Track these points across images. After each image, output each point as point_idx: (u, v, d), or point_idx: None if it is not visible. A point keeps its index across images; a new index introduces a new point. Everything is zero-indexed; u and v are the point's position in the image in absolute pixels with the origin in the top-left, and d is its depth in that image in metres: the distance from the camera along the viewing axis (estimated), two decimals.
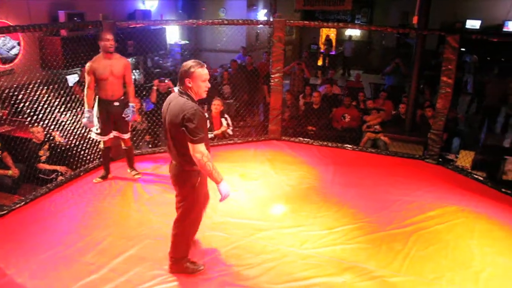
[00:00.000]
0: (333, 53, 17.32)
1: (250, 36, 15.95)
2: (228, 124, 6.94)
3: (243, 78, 9.32)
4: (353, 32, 17.68)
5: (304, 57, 13.22)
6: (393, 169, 5.94)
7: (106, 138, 5.17)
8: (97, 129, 5.09)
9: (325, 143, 6.78)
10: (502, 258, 4.00)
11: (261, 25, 7.58)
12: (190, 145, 3.01)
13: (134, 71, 9.91)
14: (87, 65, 4.88)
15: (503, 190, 5.36)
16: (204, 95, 3.21)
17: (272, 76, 6.72)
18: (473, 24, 14.93)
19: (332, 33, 18.46)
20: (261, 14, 15.56)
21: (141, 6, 12.09)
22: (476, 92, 10.69)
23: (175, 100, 3.11)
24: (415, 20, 8.29)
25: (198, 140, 2.99)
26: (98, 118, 5.03)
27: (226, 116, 7.02)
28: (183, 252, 3.52)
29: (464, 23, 14.65)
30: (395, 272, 3.71)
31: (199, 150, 3.01)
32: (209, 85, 3.18)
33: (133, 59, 10.72)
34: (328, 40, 17.30)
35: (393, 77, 10.64)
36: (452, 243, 4.20)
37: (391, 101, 8.60)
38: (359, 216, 4.59)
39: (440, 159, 6.17)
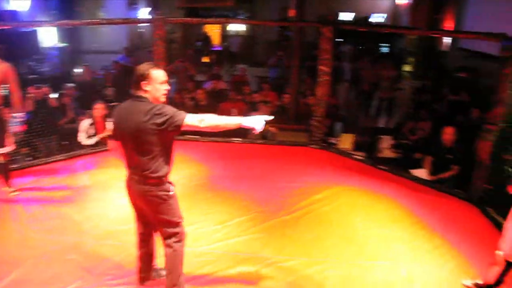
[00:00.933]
0: (219, 48, 17.41)
1: (133, 35, 15.45)
2: None
3: (127, 79, 8.94)
4: (238, 28, 17.92)
5: (188, 55, 13.11)
6: (280, 158, 6.14)
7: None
8: None
9: (213, 138, 6.79)
10: (383, 229, 4.34)
11: (144, 24, 7.35)
12: (188, 126, 2.75)
13: None
14: None
15: (379, 166, 5.81)
16: (163, 99, 2.91)
17: None
18: (346, 16, 16.02)
19: (217, 29, 18.53)
20: (143, 13, 15.13)
21: (7, 6, 11.08)
22: (353, 79, 11.43)
23: (133, 107, 2.83)
24: (291, 13, 8.62)
25: (184, 118, 2.74)
26: None
27: (110, 120, 6.72)
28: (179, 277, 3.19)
29: (338, 16, 15.65)
30: (289, 257, 3.83)
31: (196, 120, 2.76)
32: (168, 87, 2.94)
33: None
34: (206, 37, 17.31)
35: (276, 69, 10.98)
36: (339, 221, 4.45)
37: (275, 92, 8.85)
38: (251, 207, 4.67)
39: (324, 144, 6.50)
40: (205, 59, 16.64)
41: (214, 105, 7.84)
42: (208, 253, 3.86)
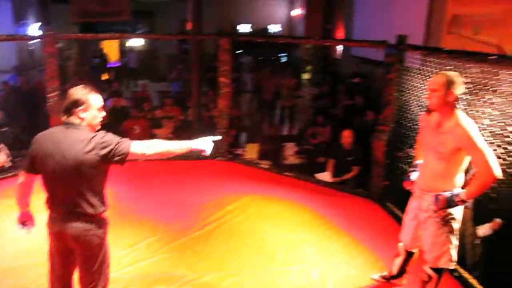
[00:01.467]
0: (118, 64, 16.86)
1: (23, 53, 14.41)
2: (7, 155, 6.12)
3: (19, 101, 8.33)
4: (137, 43, 17.52)
5: (85, 72, 12.54)
6: (187, 173, 6.04)
7: None
8: None
9: None
10: (293, 234, 4.43)
11: (34, 41, 6.88)
12: (133, 155, 2.53)
13: None
14: None
15: (285, 173, 5.96)
16: (99, 127, 2.63)
17: (49, 95, 6.16)
18: (244, 28, 16.41)
19: (115, 45, 17.94)
20: (33, 29, 14.16)
21: None
22: (254, 89, 11.66)
23: (67, 135, 2.47)
24: (189, 26, 8.60)
25: (130, 146, 2.53)
26: None
27: (1, 146, 6.19)
28: None
29: (237, 28, 15.98)
30: (203, 272, 3.75)
31: (143, 147, 2.56)
32: (104, 114, 2.64)
33: None
34: (102, 53, 16.71)
35: (178, 83, 10.87)
36: (250, 231, 4.47)
37: (178, 107, 8.75)
38: (159, 227, 4.51)
39: (230, 155, 6.52)
40: (105, 76, 16.02)
41: (115, 123, 7.54)
42: (118, 279, 3.64)
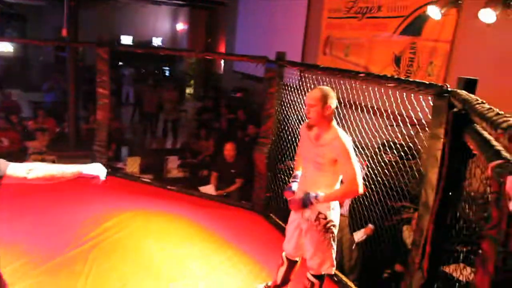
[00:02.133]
0: None
1: None
2: None
3: None
4: (3, 48, 16.03)
5: None
6: (62, 190, 5.53)
7: None
8: None
9: None
10: (178, 249, 4.33)
11: None
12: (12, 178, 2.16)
13: None
14: None
15: (168, 187, 5.85)
16: None
17: None
18: (126, 40, 15.98)
19: None
20: None
21: None
22: (136, 101, 11.35)
23: None
24: (64, 33, 8.12)
25: (6, 168, 2.16)
26: None
27: None
28: None
29: (120, 39, 15.52)
30: None
31: (22, 171, 2.19)
32: None
33: None
34: None
35: (53, 94, 10.17)
36: (133, 247, 4.28)
37: (53, 118, 8.17)
38: (28, 249, 4.07)
39: (110, 169, 6.21)
40: None
41: None
42: None
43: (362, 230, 4.56)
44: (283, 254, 3.57)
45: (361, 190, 2.86)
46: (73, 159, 6.79)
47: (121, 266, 3.94)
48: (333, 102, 2.99)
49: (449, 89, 2.68)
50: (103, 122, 6.13)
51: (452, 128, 2.48)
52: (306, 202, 2.98)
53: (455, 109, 2.48)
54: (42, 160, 6.82)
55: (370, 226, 4.50)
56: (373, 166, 4.02)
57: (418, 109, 3.32)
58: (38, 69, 16.05)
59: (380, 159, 4.17)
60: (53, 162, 6.77)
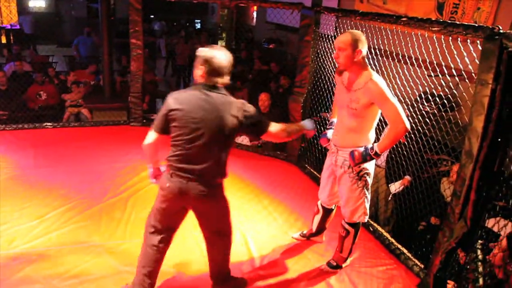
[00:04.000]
0: (16, 27, 15.43)
1: None
2: None
3: None
4: (36, 3, 16.12)
5: None
6: (100, 139, 5.74)
7: None
8: None
9: (21, 125, 6.01)
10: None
11: None
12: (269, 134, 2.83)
13: None
14: None
15: None
16: None
17: None
18: None
19: (13, 5, 16.35)
20: None
21: None
22: (169, 55, 11.31)
23: (208, 98, 2.50)
24: None
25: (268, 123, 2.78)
26: None
27: None
28: None
29: None
30: (121, 240, 3.60)
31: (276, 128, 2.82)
32: None
33: None
34: None
35: (86, 47, 10.24)
36: None
37: (87, 71, 8.26)
38: (71, 195, 4.24)
39: (145, 121, 6.28)
40: (2, 40, 14.66)
41: (18, 89, 6.91)
42: (26, 253, 3.39)
43: (399, 182, 4.49)
44: (319, 202, 3.56)
45: (408, 125, 2.72)
46: (109, 111, 6.89)
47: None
48: (364, 47, 2.85)
49: (501, 31, 2.51)
50: (137, 73, 6.13)
51: (506, 70, 2.34)
52: (366, 156, 2.91)
53: (510, 49, 2.32)
54: (79, 113, 6.95)
55: (407, 177, 4.42)
56: (411, 117, 3.88)
57: (459, 60, 3.14)
58: (70, 23, 16.15)
59: (418, 110, 4.03)
60: (86, 116, 6.89)
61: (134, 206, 4.12)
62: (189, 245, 3.61)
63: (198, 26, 15.50)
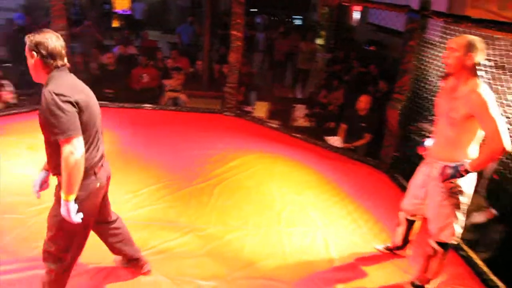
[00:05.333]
0: (128, 13, 16.46)
1: None
2: (10, 91, 5.96)
3: (22, 40, 8.16)
4: None
5: (94, 17, 12.20)
6: (194, 125, 5.94)
7: None
8: None
9: (123, 104, 6.39)
10: (299, 195, 4.34)
11: None
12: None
13: None
14: None
15: (294, 134, 5.84)
16: None
17: None
18: None
19: None
20: None
21: None
22: (267, 49, 11.40)
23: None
24: None
25: None
26: None
27: (5, 82, 6.01)
28: None
29: None
30: (205, 225, 3.69)
31: None
32: None
33: None
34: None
35: (188, 35, 10.61)
36: (255, 188, 4.38)
37: (187, 59, 8.54)
38: (164, 175, 4.44)
39: (238, 111, 6.39)
40: (115, 23, 15.70)
41: (123, 70, 7.37)
42: None
43: (483, 213, 4.11)
44: (400, 213, 3.41)
45: (507, 146, 2.49)
46: (204, 99, 7.10)
47: (243, 204, 4.07)
48: (478, 54, 2.63)
49: None
50: (235, 65, 6.25)
51: None
52: (455, 173, 2.72)
53: None
54: (176, 98, 7.23)
55: (492, 210, 4.03)
56: None
57: None
58: (175, 12, 16.87)
59: None
60: (184, 101, 7.14)
61: (221, 194, 4.20)
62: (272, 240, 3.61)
63: (298, 22, 15.49)
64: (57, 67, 2.25)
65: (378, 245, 3.68)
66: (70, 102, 2.13)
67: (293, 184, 4.54)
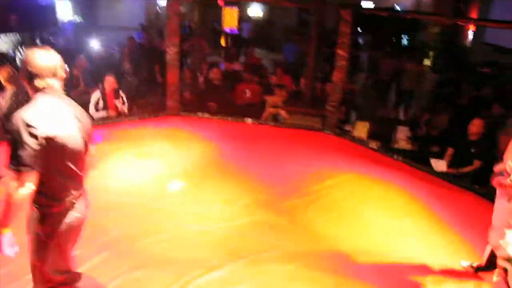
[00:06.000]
0: (235, 32, 17.18)
1: (150, 13, 15.26)
2: (123, 102, 6.50)
3: (141, 56, 8.90)
4: (254, 12, 17.64)
5: (204, 34, 12.93)
6: (293, 141, 5.98)
7: None
8: None
9: (226, 117, 6.65)
10: (396, 220, 4.16)
11: (162, 5, 7.23)
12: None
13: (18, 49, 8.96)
14: None
15: (395, 157, 5.62)
16: None
17: (168, 50, 6.40)
18: (367, 5, 15.71)
19: (235, 13, 18.24)
20: None
21: None
22: (371, 68, 11.17)
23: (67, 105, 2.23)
24: None
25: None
26: None
27: (120, 93, 6.57)
28: None
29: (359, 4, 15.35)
30: (298, 242, 3.68)
31: None
32: None
33: (18, 36, 9.70)
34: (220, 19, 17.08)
35: (293, 54, 10.77)
36: (350, 209, 4.28)
37: (290, 76, 8.66)
38: (260, 189, 4.52)
39: (338, 130, 6.33)
40: (222, 41, 16.48)
41: (228, 86, 7.68)
42: (213, 232, 3.73)
43: None
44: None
45: None
46: (304, 116, 7.13)
47: (335, 226, 3.98)
48: None
49: None
50: (338, 84, 6.22)
51: None
52: None
53: None
54: (276, 114, 7.34)
55: None
56: None
57: None
58: (281, 31, 17.26)
59: None
60: (284, 117, 7.22)
61: (314, 212, 4.17)
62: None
63: (405, 42, 15.00)
64: (43, 88, 2.11)
65: (464, 262, 3.53)
66: (34, 135, 1.99)
67: (390, 209, 4.35)
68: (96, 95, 6.29)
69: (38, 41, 10.60)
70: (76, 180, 2.29)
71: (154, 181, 4.60)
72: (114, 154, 5.10)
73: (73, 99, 2.19)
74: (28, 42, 10.03)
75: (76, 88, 7.31)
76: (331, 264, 3.43)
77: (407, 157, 5.66)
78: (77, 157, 2.26)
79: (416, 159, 5.62)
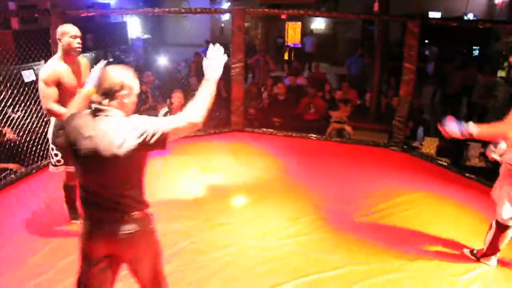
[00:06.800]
0: (298, 46, 17.25)
1: (214, 29, 15.70)
2: None
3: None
4: (317, 26, 17.62)
5: (269, 50, 13.10)
6: (358, 158, 5.88)
7: (69, 169, 3.73)
8: (55, 159, 3.75)
9: (290, 133, 6.66)
10: (468, 243, 3.93)
11: (225, 19, 7.45)
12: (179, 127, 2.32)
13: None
14: (47, 71, 3.46)
15: (466, 175, 5.37)
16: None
17: (233, 66, 6.54)
18: (434, 15, 15.21)
19: (297, 27, 18.34)
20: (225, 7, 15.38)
21: None
22: (439, 81, 10.79)
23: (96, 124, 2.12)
24: (376, 7, 8.28)
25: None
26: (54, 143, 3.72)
27: None
28: None
29: (427, 15, 14.89)
30: (363, 261, 3.59)
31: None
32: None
33: (93, 54, 10.32)
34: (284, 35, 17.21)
35: (357, 67, 10.65)
36: (419, 229, 4.12)
37: (355, 91, 8.55)
38: (325, 206, 4.47)
39: (405, 146, 6.14)
40: (285, 56, 16.63)
41: (292, 100, 7.71)
42: (276, 248, 3.73)
43: None
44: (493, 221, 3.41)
45: None
46: (370, 132, 7.01)
47: (405, 244, 3.85)
48: None
49: None
50: (405, 98, 6.05)
51: None
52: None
53: None
54: (341, 129, 7.26)
55: None
56: None
57: None
58: (344, 44, 17.10)
59: None
60: (349, 132, 7.12)
61: (382, 230, 4.06)
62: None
63: (475, 53, 14.35)
64: (90, 108, 2.19)
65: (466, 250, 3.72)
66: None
67: (461, 230, 4.12)
68: (163, 110, 6.54)
69: (110, 58, 11.26)
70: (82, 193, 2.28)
71: (217, 194, 4.70)
72: (179, 167, 5.27)
73: (142, 114, 2.27)
74: (102, 59, 10.64)
75: (145, 104, 7.64)
76: (397, 285, 3.32)
77: (480, 175, 5.38)
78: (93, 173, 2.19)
79: (490, 178, 5.32)
